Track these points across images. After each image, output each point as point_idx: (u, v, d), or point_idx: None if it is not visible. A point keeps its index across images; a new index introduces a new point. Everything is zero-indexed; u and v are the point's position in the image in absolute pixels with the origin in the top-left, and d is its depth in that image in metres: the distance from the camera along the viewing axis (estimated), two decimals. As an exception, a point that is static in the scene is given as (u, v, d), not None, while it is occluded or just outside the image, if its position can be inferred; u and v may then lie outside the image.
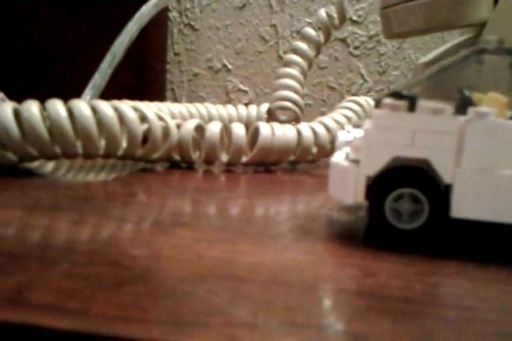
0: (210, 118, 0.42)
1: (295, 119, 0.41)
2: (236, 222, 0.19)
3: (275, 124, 0.31)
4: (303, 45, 0.46)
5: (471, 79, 0.18)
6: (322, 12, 0.46)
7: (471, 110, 0.17)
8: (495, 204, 0.17)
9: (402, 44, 0.82)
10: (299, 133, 0.31)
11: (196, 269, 0.14)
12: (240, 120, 0.43)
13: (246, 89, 0.83)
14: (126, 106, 0.26)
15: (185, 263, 0.14)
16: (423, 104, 0.17)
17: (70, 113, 0.24)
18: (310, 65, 0.46)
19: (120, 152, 0.26)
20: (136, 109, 0.27)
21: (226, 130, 0.30)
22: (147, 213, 0.20)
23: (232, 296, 0.12)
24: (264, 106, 0.44)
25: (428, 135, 0.17)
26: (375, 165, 0.17)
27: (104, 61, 0.39)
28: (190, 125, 0.29)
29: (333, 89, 0.82)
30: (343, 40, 0.82)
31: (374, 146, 0.17)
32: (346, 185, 0.18)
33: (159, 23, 0.82)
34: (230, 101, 0.83)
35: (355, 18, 0.80)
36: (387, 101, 0.17)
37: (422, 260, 0.16)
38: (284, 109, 0.43)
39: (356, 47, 0.81)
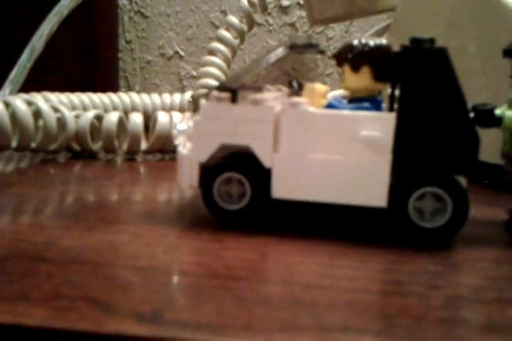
0: (134, 108, 0.43)
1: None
2: (89, 209, 0.21)
3: (175, 113, 0.33)
4: (227, 34, 0.47)
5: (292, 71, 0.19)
6: (244, 1, 0.47)
7: (285, 100, 0.19)
8: (309, 185, 0.19)
9: (349, 27, 0.83)
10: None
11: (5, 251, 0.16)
12: (163, 108, 0.44)
13: (199, 75, 0.84)
14: (20, 101, 0.28)
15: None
16: (244, 95, 0.19)
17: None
18: (234, 53, 0.48)
19: (13, 144, 0.28)
20: (30, 103, 0.28)
21: (126, 119, 0.32)
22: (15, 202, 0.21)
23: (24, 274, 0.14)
24: (188, 94, 0.45)
25: (248, 124, 0.19)
26: (205, 152, 0.19)
27: (22, 55, 0.40)
28: (87, 116, 0.31)
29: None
30: (292, 25, 0.83)
31: (203, 135, 0.19)
32: (183, 171, 0.20)
33: (109, 10, 0.83)
34: (183, 87, 0.84)
35: (302, 2, 0.81)
36: (214, 93, 0.19)
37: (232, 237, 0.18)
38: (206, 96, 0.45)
39: (305, 32, 0.82)
